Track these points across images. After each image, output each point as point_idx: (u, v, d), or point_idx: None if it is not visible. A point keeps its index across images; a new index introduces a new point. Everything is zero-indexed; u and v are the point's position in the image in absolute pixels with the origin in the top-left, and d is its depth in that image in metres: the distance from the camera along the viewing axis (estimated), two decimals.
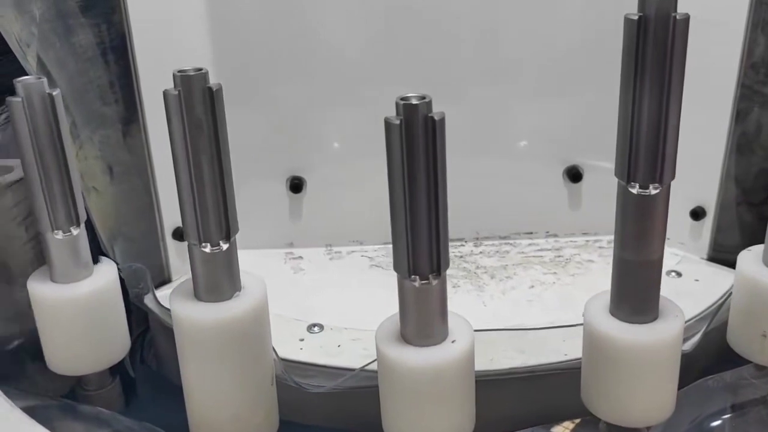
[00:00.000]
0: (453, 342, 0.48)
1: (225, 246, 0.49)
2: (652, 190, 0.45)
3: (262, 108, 0.76)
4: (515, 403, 0.62)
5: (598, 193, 0.79)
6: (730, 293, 0.60)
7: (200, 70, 0.45)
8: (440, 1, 0.74)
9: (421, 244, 0.45)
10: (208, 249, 0.48)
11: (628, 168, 0.45)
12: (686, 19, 0.41)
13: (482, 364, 0.57)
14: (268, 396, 0.53)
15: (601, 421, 0.52)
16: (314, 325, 0.67)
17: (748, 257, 0.57)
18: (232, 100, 0.72)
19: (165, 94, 0.45)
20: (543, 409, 0.59)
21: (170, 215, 0.72)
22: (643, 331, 0.48)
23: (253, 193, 0.77)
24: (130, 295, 0.67)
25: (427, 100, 0.42)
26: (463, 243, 0.83)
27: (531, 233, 0.83)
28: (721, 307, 0.65)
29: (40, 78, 0.52)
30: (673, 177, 0.45)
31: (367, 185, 0.78)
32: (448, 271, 0.76)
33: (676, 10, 0.41)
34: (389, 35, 0.75)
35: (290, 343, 0.65)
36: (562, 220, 0.82)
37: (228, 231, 0.49)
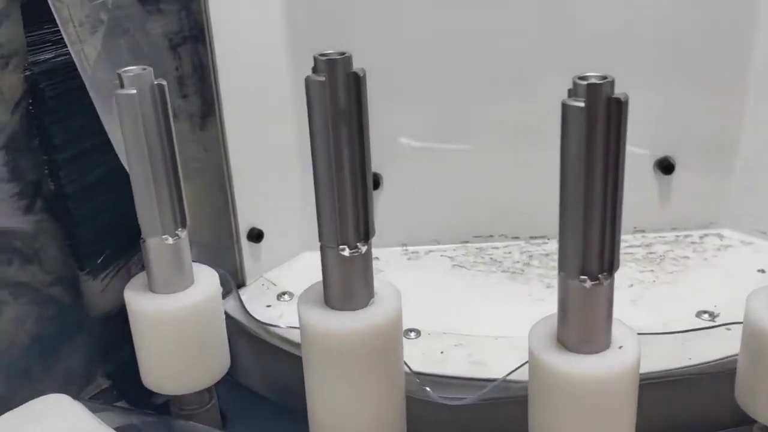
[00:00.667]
0: (620, 348, 0.43)
1: (363, 249, 0.44)
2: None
3: None
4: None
5: (689, 185, 0.76)
6: None
7: (343, 54, 0.41)
8: None
9: (594, 240, 0.40)
10: (346, 252, 0.44)
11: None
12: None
13: None
14: (400, 412, 0.48)
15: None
16: (410, 331, 0.63)
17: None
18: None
19: (309, 80, 0.40)
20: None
21: (245, 215, 0.68)
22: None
23: None
24: None
25: (609, 79, 0.38)
26: (546, 240, 0.79)
27: None
28: None
29: (145, 68, 0.47)
30: None
31: (443, 182, 0.75)
32: (539, 272, 0.74)
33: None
34: (465, 26, 0.71)
35: None
36: (650, 215, 0.78)
37: (367, 232, 0.44)
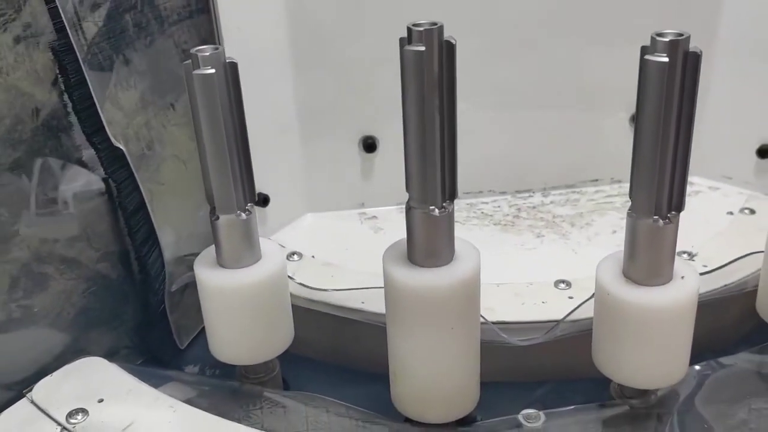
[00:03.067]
0: (682, 278, 0.49)
1: (450, 208, 0.47)
2: None
3: (334, 67, 0.75)
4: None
5: None
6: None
7: (435, 24, 0.43)
8: None
9: (666, 184, 0.45)
10: (436, 212, 0.47)
11: None
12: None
13: None
14: (478, 361, 0.52)
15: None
16: None
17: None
18: (303, 60, 0.72)
19: (406, 51, 0.43)
20: None
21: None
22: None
23: (325, 153, 0.77)
24: None
25: (685, 36, 0.42)
26: (532, 194, 0.84)
27: (596, 180, 0.85)
28: None
29: (217, 48, 0.48)
30: None
31: None
32: (528, 223, 0.79)
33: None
34: None
35: None
36: (626, 166, 0.84)
37: (453, 192, 0.47)
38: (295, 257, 0.71)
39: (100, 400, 0.53)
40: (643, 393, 0.53)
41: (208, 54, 0.47)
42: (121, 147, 0.58)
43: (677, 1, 0.76)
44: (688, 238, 0.71)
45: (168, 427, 0.51)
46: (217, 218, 0.51)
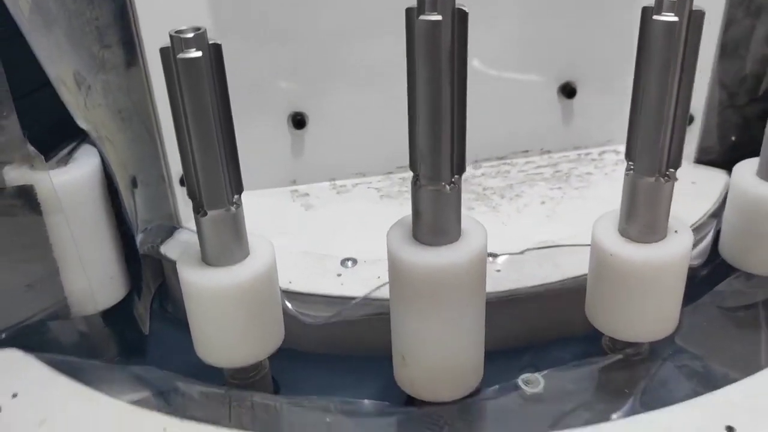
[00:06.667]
0: (676, 232, 0.50)
1: (459, 183, 0.46)
2: None
3: (262, 42, 0.72)
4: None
5: (589, 107, 0.84)
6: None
7: None
8: None
9: (666, 140, 0.46)
10: (447, 189, 0.45)
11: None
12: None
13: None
14: (482, 337, 0.52)
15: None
16: (347, 260, 0.65)
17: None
18: (226, 34, 0.70)
19: (420, 22, 0.41)
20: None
21: (176, 161, 0.65)
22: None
23: (254, 131, 0.74)
24: (142, 248, 0.64)
25: None
26: None
27: (527, 152, 0.86)
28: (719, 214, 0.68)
29: (199, 29, 0.44)
30: None
31: (367, 118, 0.77)
32: None
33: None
34: None
35: (329, 278, 0.63)
36: (555, 136, 0.86)
37: (462, 166, 0.46)
38: None
39: (14, 395, 0.50)
40: (636, 343, 0.54)
41: (191, 36, 0.43)
42: None
43: None
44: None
45: (86, 421, 0.49)
46: (205, 214, 0.48)
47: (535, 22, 0.79)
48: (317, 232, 0.70)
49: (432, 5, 0.41)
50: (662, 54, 0.43)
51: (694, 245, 0.63)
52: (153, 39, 0.62)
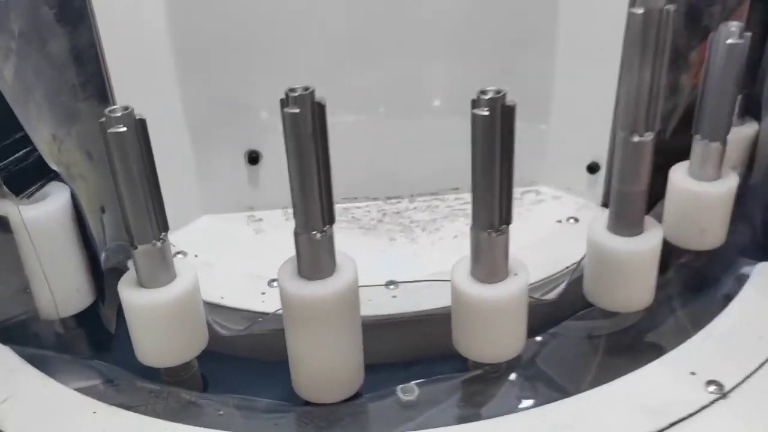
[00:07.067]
0: (515, 275, 0.62)
1: (330, 231, 0.59)
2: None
3: (216, 83, 0.85)
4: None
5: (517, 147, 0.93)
6: None
7: (307, 89, 0.54)
8: None
9: (497, 206, 0.58)
10: (318, 236, 0.58)
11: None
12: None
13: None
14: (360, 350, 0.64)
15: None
16: (273, 280, 0.77)
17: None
18: (188, 79, 0.84)
19: (285, 113, 0.53)
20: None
21: None
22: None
23: (216, 164, 0.88)
24: (105, 264, 0.75)
25: (503, 92, 0.54)
26: (400, 200, 0.95)
27: (457, 188, 0.95)
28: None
29: (127, 108, 0.57)
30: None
31: None
32: (388, 226, 0.91)
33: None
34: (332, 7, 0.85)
35: (253, 296, 0.75)
36: None
37: (331, 218, 0.59)
38: (180, 256, 0.82)
39: None
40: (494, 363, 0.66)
41: (119, 115, 0.57)
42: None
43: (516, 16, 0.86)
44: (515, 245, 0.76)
45: (36, 401, 0.62)
46: (136, 248, 0.61)
47: (467, 60, 0.87)
48: (260, 254, 0.83)
49: (294, 100, 0.54)
50: (481, 142, 0.55)
51: (559, 284, 0.75)
52: (123, 91, 0.76)
